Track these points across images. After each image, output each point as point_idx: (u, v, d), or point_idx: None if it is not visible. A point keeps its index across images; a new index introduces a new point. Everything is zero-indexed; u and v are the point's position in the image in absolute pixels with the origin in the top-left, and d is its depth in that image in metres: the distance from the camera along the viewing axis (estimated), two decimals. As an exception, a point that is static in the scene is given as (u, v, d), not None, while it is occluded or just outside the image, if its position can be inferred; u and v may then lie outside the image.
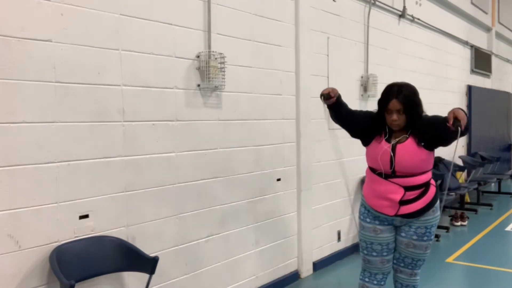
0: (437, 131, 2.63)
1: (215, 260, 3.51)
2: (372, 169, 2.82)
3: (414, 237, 2.78)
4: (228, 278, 3.64)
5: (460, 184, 7.10)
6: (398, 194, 2.67)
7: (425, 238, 2.78)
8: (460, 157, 7.79)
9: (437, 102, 7.08)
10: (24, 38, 2.37)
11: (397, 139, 2.72)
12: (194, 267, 3.34)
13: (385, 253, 2.86)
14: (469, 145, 8.53)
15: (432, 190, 2.76)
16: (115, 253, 2.72)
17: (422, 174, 2.70)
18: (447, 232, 5.97)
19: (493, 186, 9.47)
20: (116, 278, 2.82)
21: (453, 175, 7.10)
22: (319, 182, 4.56)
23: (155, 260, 2.66)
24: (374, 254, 2.86)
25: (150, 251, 2.90)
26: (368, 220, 2.86)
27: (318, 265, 4.59)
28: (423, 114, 2.74)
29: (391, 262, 2.91)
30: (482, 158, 8.42)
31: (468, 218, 6.53)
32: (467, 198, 7.76)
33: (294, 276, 4.33)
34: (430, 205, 2.74)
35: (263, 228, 3.96)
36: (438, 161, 6.75)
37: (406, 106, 2.62)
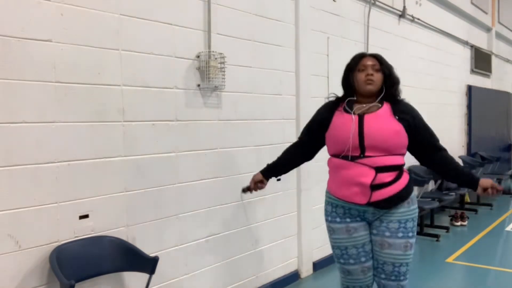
0: (419, 143, 2.55)
1: (215, 260, 3.51)
2: (335, 156, 2.55)
3: (387, 234, 2.48)
4: (228, 278, 3.64)
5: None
6: (368, 176, 2.41)
7: (400, 234, 2.47)
8: (460, 157, 7.79)
9: (437, 102, 7.09)
10: (24, 38, 2.37)
11: (363, 109, 2.50)
12: (194, 267, 3.34)
13: (363, 259, 2.56)
14: (469, 145, 8.53)
15: (405, 177, 2.51)
16: (115, 253, 2.72)
17: (394, 155, 2.45)
18: (447, 232, 5.97)
19: (493, 186, 9.45)
20: (116, 278, 2.82)
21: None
22: (319, 182, 4.55)
23: (155, 260, 2.65)
24: (352, 261, 2.57)
25: (150, 251, 2.90)
26: (338, 219, 2.58)
27: (318, 265, 4.58)
28: (402, 95, 2.62)
29: (372, 271, 2.58)
30: (482, 158, 8.42)
31: (468, 218, 6.53)
32: (467, 198, 7.76)
33: (294, 276, 4.32)
34: (403, 193, 2.48)
35: (263, 228, 3.96)
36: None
37: (381, 63, 2.55)
